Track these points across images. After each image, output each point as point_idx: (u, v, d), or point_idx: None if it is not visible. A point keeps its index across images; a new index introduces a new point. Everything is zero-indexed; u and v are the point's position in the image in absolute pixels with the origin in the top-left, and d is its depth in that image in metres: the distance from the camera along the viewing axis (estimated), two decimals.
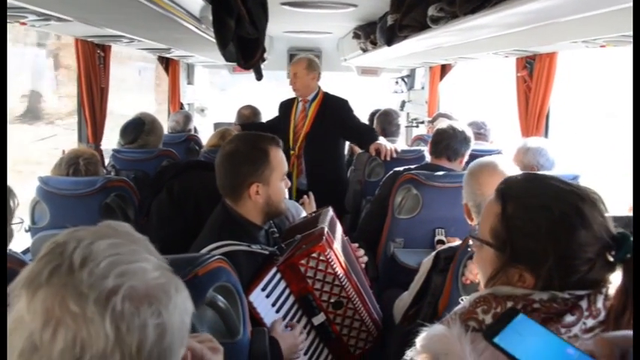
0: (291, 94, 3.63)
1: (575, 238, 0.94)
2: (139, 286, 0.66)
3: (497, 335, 0.79)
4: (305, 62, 3.46)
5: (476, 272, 1.58)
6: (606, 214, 0.98)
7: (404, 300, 1.93)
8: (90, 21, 2.12)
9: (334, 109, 3.47)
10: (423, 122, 5.02)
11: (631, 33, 1.80)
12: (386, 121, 3.82)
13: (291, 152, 3.41)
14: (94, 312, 0.62)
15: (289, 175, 3.20)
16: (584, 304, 0.92)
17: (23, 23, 1.98)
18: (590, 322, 0.92)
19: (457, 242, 1.88)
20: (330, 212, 2.00)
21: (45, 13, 1.81)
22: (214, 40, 1.94)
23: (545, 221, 0.96)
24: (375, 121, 3.90)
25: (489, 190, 1.68)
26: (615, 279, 0.95)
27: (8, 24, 2.06)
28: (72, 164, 2.50)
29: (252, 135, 1.78)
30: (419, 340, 0.95)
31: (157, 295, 0.67)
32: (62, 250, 0.66)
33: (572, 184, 1.01)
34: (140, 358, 0.65)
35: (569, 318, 0.91)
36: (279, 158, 1.75)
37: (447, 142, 2.63)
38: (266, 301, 1.63)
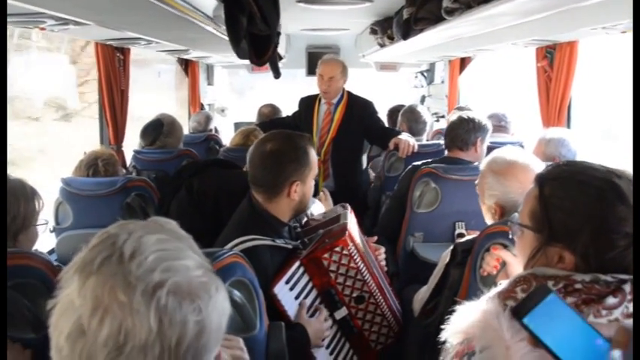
0: (310, 93, 3.60)
1: (613, 212, 0.95)
2: (182, 282, 0.68)
3: (527, 315, 0.77)
4: (341, 66, 3.38)
5: (493, 264, 1.57)
6: None
7: (422, 293, 1.92)
8: (106, 24, 2.15)
9: (360, 112, 3.40)
10: (443, 116, 4.97)
11: None
12: (412, 119, 3.70)
13: (317, 158, 3.35)
14: (140, 303, 0.64)
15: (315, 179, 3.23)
16: (627, 287, 0.91)
17: (42, 28, 2.02)
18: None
19: (476, 234, 1.85)
20: (349, 210, 2.00)
21: (63, 18, 1.85)
22: (227, 38, 1.96)
23: (582, 196, 0.98)
24: (400, 118, 3.77)
25: (518, 187, 1.67)
26: None
27: (29, 29, 2.12)
28: (91, 165, 2.55)
29: (291, 134, 1.79)
30: (455, 317, 0.95)
31: (199, 293, 0.69)
32: (114, 241, 0.68)
33: (609, 167, 1.02)
34: (178, 353, 0.66)
35: (611, 300, 0.90)
36: (314, 157, 1.79)
37: (455, 132, 2.62)
38: (289, 294, 1.65)
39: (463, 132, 2.60)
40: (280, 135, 1.77)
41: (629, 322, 0.89)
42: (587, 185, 0.98)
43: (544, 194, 1.03)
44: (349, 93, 3.47)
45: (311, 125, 3.43)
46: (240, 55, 1.91)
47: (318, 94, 3.50)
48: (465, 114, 2.67)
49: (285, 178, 1.71)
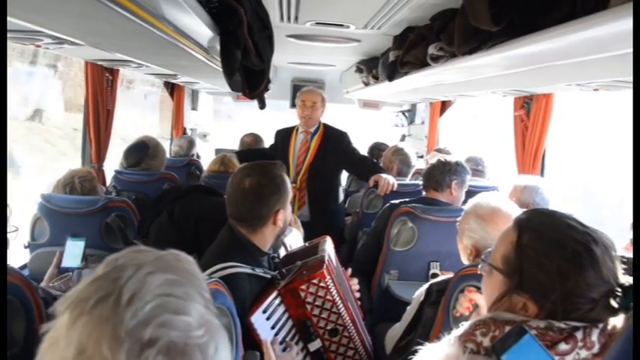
0: (293, 123, 3.67)
1: (584, 277, 0.98)
2: (177, 342, 0.62)
3: (505, 353, 0.82)
4: (321, 95, 3.52)
5: (466, 306, 1.61)
6: (616, 262, 1.02)
7: (396, 330, 1.95)
8: (101, 46, 2.19)
9: (335, 142, 3.50)
10: (422, 156, 5.08)
11: (624, 78, 1.87)
12: (405, 163, 3.64)
13: (293, 185, 3.39)
14: None
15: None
16: (579, 334, 0.96)
17: (38, 45, 2.05)
18: (584, 354, 0.95)
19: (450, 275, 1.90)
20: (329, 241, 2.04)
21: (59, 37, 1.88)
22: (220, 69, 2.01)
23: (558, 257, 1.00)
24: (391, 157, 3.67)
25: (497, 235, 1.73)
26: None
27: (24, 45, 2.14)
28: (68, 183, 2.54)
29: (265, 165, 1.82)
30: (419, 358, 0.98)
31: (192, 356, 0.64)
32: (117, 277, 0.65)
33: (588, 226, 1.05)
34: None
35: (563, 346, 0.95)
36: (289, 182, 1.83)
37: (431, 173, 2.71)
38: (266, 324, 1.66)
39: (438, 173, 2.69)
40: (255, 169, 1.79)
41: None
42: (565, 247, 1.01)
43: (521, 242, 1.06)
44: (325, 124, 3.58)
45: (287, 153, 3.51)
46: (233, 87, 1.96)
47: (294, 126, 3.60)
48: (443, 157, 2.77)
49: (269, 210, 1.75)
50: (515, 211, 1.81)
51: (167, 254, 0.72)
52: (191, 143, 4.66)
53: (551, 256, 1.01)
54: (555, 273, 1.00)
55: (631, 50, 1.16)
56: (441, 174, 2.68)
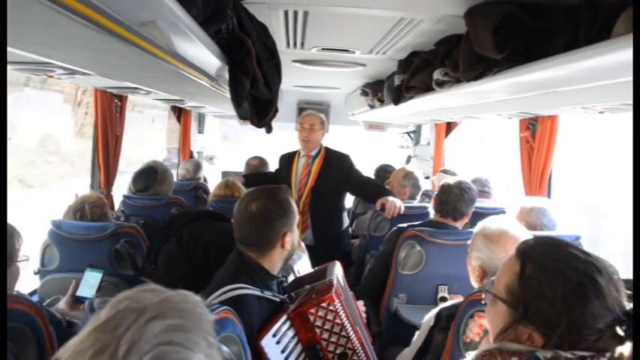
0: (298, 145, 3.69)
1: (589, 308, 0.98)
2: None
3: None
4: (320, 118, 3.56)
5: (476, 331, 1.61)
6: (621, 290, 1.02)
7: (405, 356, 1.94)
8: (111, 76, 2.23)
9: (337, 165, 3.52)
10: (428, 177, 5.09)
11: (628, 102, 1.88)
12: (416, 187, 3.61)
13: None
14: None
15: None
16: None
17: (50, 76, 2.10)
18: None
19: (460, 299, 1.90)
20: (338, 265, 2.05)
21: (71, 69, 1.93)
22: (227, 96, 2.04)
23: (562, 288, 1.00)
24: (402, 182, 3.62)
25: (504, 257, 1.73)
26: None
27: (37, 76, 2.19)
28: (78, 209, 2.57)
29: (271, 189, 1.85)
30: None
31: None
32: (117, 325, 0.64)
33: (591, 255, 1.05)
34: None
35: None
36: (295, 205, 1.85)
37: (454, 204, 2.64)
38: (276, 347, 1.66)
39: (462, 205, 2.63)
40: (262, 193, 1.82)
41: None
42: (568, 278, 1.01)
43: (525, 274, 1.06)
44: (327, 148, 3.60)
45: (289, 177, 3.53)
46: (241, 116, 1.99)
47: (297, 150, 3.62)
48: (464, 184, 2.69)
49: (277, 233, 1.76)
50: (523, 234, 1.81)
51: (174, 295, 0.71)
52: (197, 166, 4.69)
53: (555, 287, 1.01)
54: (560, 304, 0.99)
55: (631, 78, 1.18)
56: (466, 205, 2.64)
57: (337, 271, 2.00)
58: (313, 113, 3.62)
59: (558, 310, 0.99)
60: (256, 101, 1.93)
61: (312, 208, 3.47)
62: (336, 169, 3.51)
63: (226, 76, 1.91)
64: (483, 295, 1.20)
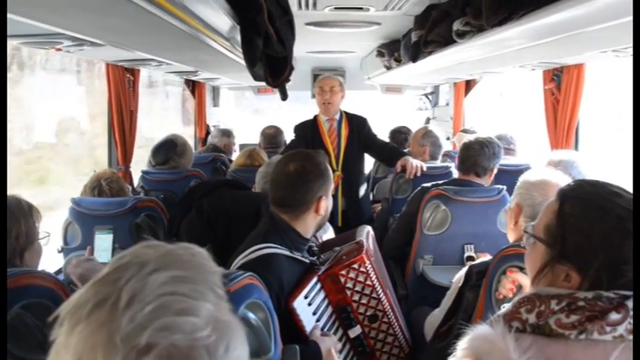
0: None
1: (629, 243, 0.94)
2: (180, 344, 0.57)
3: None
4: (339, 80, 3.49)
5: (509, 287, 1.56)
6: None
7: (435, 316, 1.91)
8: (121, 44, 2.17)
9: (360, 128, 3.48)
10: (448, 138, 5.00)
11: None
12: (436, 145, 3.53)
13: (336, 173, 3.33)
14: None
15: (334, 197, 3.24)
16: (629, 303, 0.91)
17: (58, 49, 2.05)
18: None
19: (487, 257, 1.85)
20: (368, 228, 2.03)
21: (79, 38, 1.87)
22: (241, 62, 1.98)
23: (600, 222, 0.97)
24: (418, 142, 3.56)
25: (542, 195, 1.68)
26: None
27: (45, 50, 2.14)
28: (94, 187, 2.55)
29: (309, 152, 1.83)
30: (462, 342, 0.95)
31: (197, 359, 0.58)
32: (118, 278, 0.61)
33: (631, 193, 1.01)
34: None
35: (614, 316, 0.90)
36: (331, 170, 1.82)
37: (475, 159, 2.59)
38: (308, 309, 1.65)
39: (483, 160, 2.57)
40: (299, 155, 1.79)
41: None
42: (608, 212, 0.97)
43: (563, 211, 1.03)
44: (346, 112, 3.54)
45: (323, 142, 3.44)
46: (256, 77, 1.92)
47: (314, 117, 3.54)
48: (485, 139, 2.63)
49: (313, 195, 1.72)
50: (560, 177, 1.75)
51: (177, 248, 0.67)
52: (223, 133, 4.81)
53: (594, 222, 0.97)
54: (598, 239, 0.96)
55: None
56: (487, 159, 2.57)
57: (367, 233, 1.98)
58: (331, 76, 3.55)
59: (596, 244, 0.96)
60: (270, 60, 1.86)
61: (343, 172, 3.42)
62: (359, 131, 3.46)
63: (238, 38, 1.84)
64: (524, 239, 1.15)
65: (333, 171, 3.26)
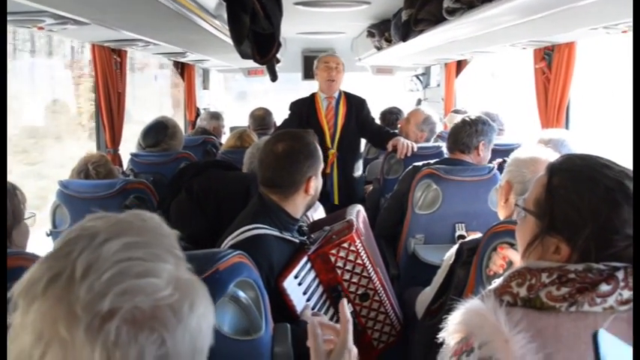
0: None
1: (618, 213, 0.95)
2: (143, 306, 0.57)
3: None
4: (340, 58, 3.49)
5: (500, 264, 1.56)
6: None
7: (426, 294, 1.92)
8: (106, 22, 2.13)
9: (358, 108, 3.46)
10: (440, 119, 4.99)
11: None
12: (434, 131, 3.54)
13: (331, 151, 3.36)
14: (83, 341, 0.55)
15: (327, 175, 3.24)
16: (620, 275, 0.92)
17: (40, 28, 2.00)
18: (627, 294, 0.91)
19: (479, 235, 1.85)
20: (358, 207, 2.02)
21: (62, 16, 1.83)
22: (230, 41, 1.94)
23: (589, 193, 0.97)
24: (418, 127, 3.51)
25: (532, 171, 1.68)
26: None
27: (27, 29, 2.09)
28: (82, 170, 2.52)
29: (297, 132, 1.81)
30: (453, 317, 0.96)
31: (163, 319, 0.58)
32: (70, 251, 0.59)
33: (621, 165, 1.01)
34: None
35: (604, 287, 0.91)
36: (320, 151, 1.80)
37: (457, 136, 2.63)
38: (298, 289, 1.65)
39: (465, 135, 2.60)
40: (288, 135, 1.78)
41: (623, 308, 0.90)
42: (597, 183, 0.97)
43: (552, 183, 1.03)
44: (345, 91, 3.52)
45: (318, 119, 3.42)
46: (243, 55, 1.89)
47: (313, 94, 3.52)
48: (469, 117, 2.66)
49: (302, 175, 1.72)
50: (550, 154, 1.76)
51: (127, 215, 0.66)
52: (212, 115, 4.77)
53: (582, 192, 0.98)
54: (586, 209, 0.96)
55: None
56: (468, 136, 2.59)
57: (358, 212, 1.97)
58: (331, 54, 3.56)
59: (584, 215, 0.96)
60: (257, 38, 1.83)
61: (339, 151, 3.41)
62: (357, 112, 3.45)
63: (225, 15, 1.81)
64: (515, 213, 1.15)
65: (328, 149, 3.30)
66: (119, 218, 0.65)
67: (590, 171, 1.00)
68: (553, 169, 1.05)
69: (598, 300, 0.90)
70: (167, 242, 0.65)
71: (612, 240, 0.94)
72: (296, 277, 1.64)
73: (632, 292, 0.91)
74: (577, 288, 0.92)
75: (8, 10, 1.71)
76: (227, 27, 1.87)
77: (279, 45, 1.95)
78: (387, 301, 1.84)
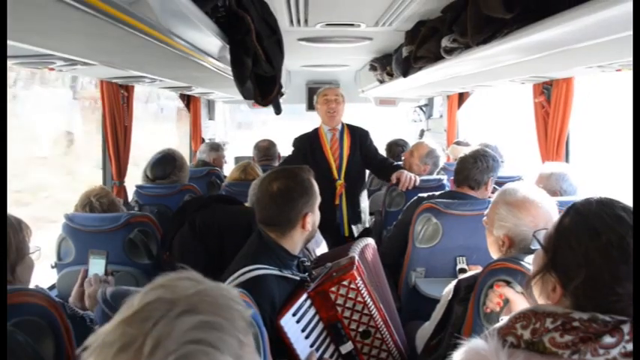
0: (311, 127, 3.64)
1: (611, 268, 0.95)
2: None
3: None
4: (341, 91, 3.54)
5: (496, 301, 1.57)
6: None
7: (426, 329, 1.92)
8: (113, 64, 2.20)
9: (362, 139, 3.50)
10: (443, 150, 5.02)
11: None
12: (437, 165, 3.50)
13: (338, 182, 3.38)
14: None
15: (336, 207, 3.30)
16: (625, 328, 0.92)
17: (51, 69, 2.07)
18: (631, 347, 0.91)
19: (478, 270, 1.86)
20: (366, 241, 2.04)
21: (71, 59, 1.90)
22: (232, 78, 2.00)
23: (589, 242, 0.98)
24: (422, 160, 3.46)
25: (530, 221, 1.68)
26: None
27: (38, 69, 2.16)
28: (85, 204, 2.55)
29: (292, 169, 1.83)
30: (455, 356, 0.97)
31: None
32: (146, 318, 0.62)
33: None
34: None
35: (608, 339, 0.91)
36: (317, 186, 1.83)
37: (467, 173, 2.60)
38: (296, 327, 1.65)
39: (477, 173, 2.58)
40: (283, 173, 1.81)
41: None
42: (598, 235, 0.98)
43: (563, 223, 1.05)
44: (347, 123, 3.56)
45: (323, 152, 3.45)
46: (246, 95, 1.94)
47: (316, 128, 3.56)
48: (480, 153, 2.63)
49: (297, 213, 1.74)
50: (545, 197, 1.76)
51: (210, 288, 0.67)
52: (212, 147, 4.74)
53: (582, 240, 0.99)
54: (582, 256, 0.98)
55: None
56: (480, 172, 2.58)
57: (366, 246, 1.99)
58: (331, 87, 3.59)
59: (579, 261, 0.98)
60: (259, 79, 1.88)
61: (346, 181, 3.43)
62: (361, 143, 3.50)
63: (228, 57, 1.87)
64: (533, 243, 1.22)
65: (335, 180, 3.33)
66: (203, 287, 0.67)
67: (599, 220, 1.00)
68: (570, 209, 1.07)
69: (601, 351, 0.90)
70: (239, 325, 0.66)
71: (603, 293, 0.95)
72: (294, 314, 1.65)
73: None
74: (580, 337, 0.92)
75: (20, 54, 1.78)
76: (230, 67, 1.93)
77: (280, 87, 2.01)
78: (390, 339, 1.82)
